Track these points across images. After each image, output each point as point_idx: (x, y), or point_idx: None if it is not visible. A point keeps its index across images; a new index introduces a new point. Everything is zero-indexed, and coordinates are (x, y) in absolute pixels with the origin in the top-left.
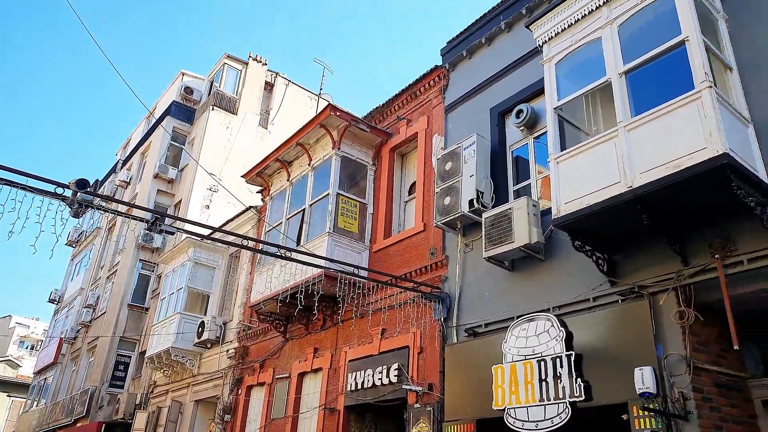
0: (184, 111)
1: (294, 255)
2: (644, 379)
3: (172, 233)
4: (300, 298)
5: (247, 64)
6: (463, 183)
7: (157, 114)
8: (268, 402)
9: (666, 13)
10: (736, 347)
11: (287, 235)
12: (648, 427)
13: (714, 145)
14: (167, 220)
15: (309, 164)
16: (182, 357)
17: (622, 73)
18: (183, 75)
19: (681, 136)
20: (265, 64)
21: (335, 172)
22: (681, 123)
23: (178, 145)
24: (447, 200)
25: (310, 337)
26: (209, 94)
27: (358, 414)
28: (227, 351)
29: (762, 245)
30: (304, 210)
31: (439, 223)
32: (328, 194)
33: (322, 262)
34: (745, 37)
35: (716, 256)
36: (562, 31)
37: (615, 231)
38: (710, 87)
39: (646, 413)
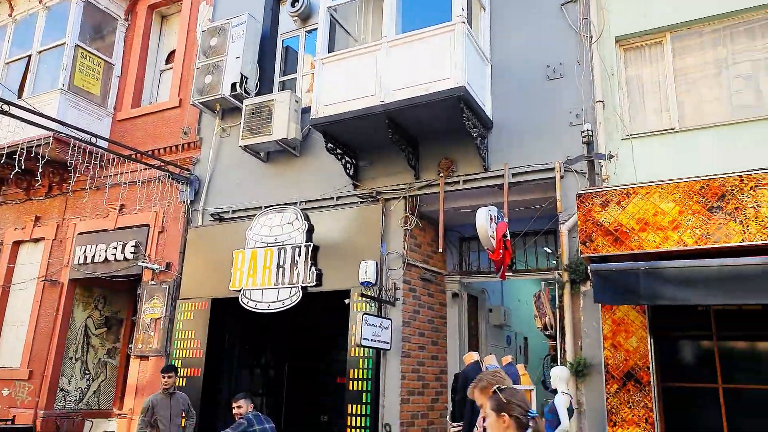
0: None
1: (14, 110)
2: (367, 271)
3: None
4: (20, 159)
5: None
6: (227, 63)
7: None
8: None
9: None
10: (441, 250)
11: (5, 84)
12: (362, 310)
13: (456, 77)
14: None
15: (41, 1)
16: None
17: None
18: None
19: (432, 63)
20: None
21: (75, 18)
22: (434, 50)
23: None
24: (208, 79)
25: (31, 204)
26: None
27: (84, 288)
28: None
29: (475, 170)
30: (30, 57)
31: (196, 101)
32: (65, 44)
33: (51, 124)
34: None
35: (441, 175)
36: None
37: (364, 140)
38: (464, 22)
39: (363, 299)
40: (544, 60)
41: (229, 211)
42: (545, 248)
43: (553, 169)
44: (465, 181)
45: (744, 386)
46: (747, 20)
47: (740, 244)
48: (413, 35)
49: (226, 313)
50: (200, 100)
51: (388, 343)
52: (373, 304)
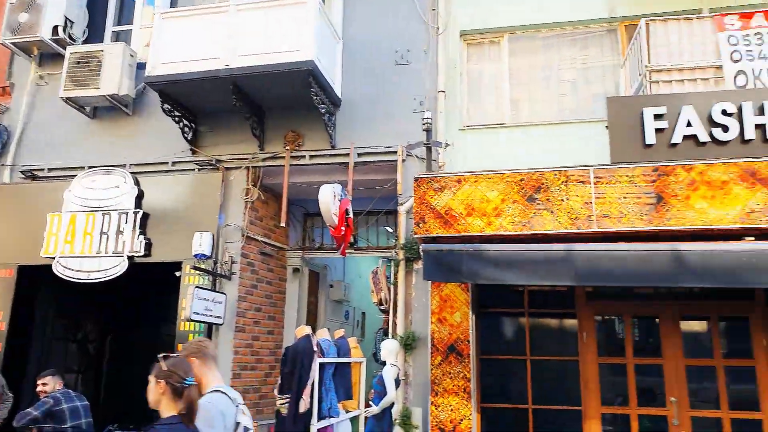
0: None
1: None
2: (202, 242)
3: None
4: None
5: None
6: (49, 2)
7: None
8: None
9: None
10: (283, 224)
11: None
12: (194, 283)
13: (305, 50)
14: None
15: None
16: None
17: None
18: None
19: (283, 33)
20: None
21: None
22: (285, 20)
23: None
24: (24, 17)
25: None
26: None
27: None
28: None
29: (322, 146)
30: None
31: (7, 41)
32: None
33: None
34: None
35: (287, 148)
36: None
37: (205, 104)
38: None
39: (196, 272)
40: (393, 45)
41: (44, 169)
42: (386, 227)
43: (396, 152)
44: (311, 156)
45: (547, 357)
46: (572, 32)
47: (551, 231)
48: (264, 2)
49: (38, 282)
50: (12, 41)
51: (220, 317)
52: (207, 278)
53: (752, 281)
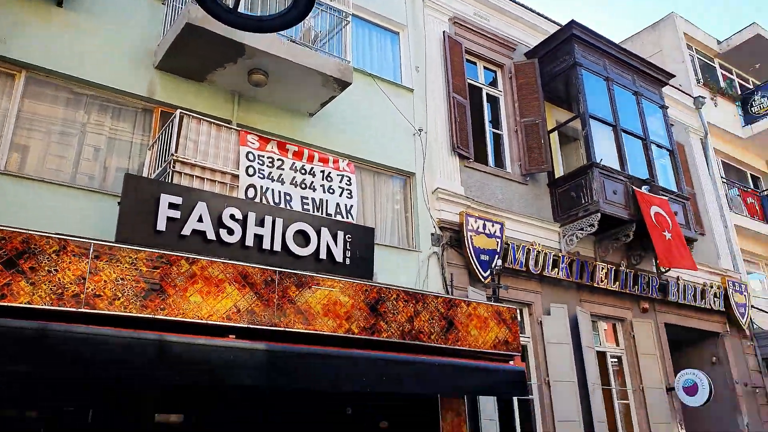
0: None
1: None
2: None
3: None
4: None
5: None
6: None
7: None
8: None
9: None
10: None
11: None
12: None
13: None
14: None
15: None
16: None
17: None
18: None
19: None
20: None
21: None
22: None
23: None
24: None
25: None
26: None
27: None
28: None
29: None
30: None
31: None
32: None
33: None
34: None
35: None
36: None
37: None
38: None
39: None
40: None
41: None
42: None
43: None
44: None
45: None
46: (107, 97)
47: (25, 305)
48: None
49: None
50: None
51: None
52: None
53: (228, 378)
